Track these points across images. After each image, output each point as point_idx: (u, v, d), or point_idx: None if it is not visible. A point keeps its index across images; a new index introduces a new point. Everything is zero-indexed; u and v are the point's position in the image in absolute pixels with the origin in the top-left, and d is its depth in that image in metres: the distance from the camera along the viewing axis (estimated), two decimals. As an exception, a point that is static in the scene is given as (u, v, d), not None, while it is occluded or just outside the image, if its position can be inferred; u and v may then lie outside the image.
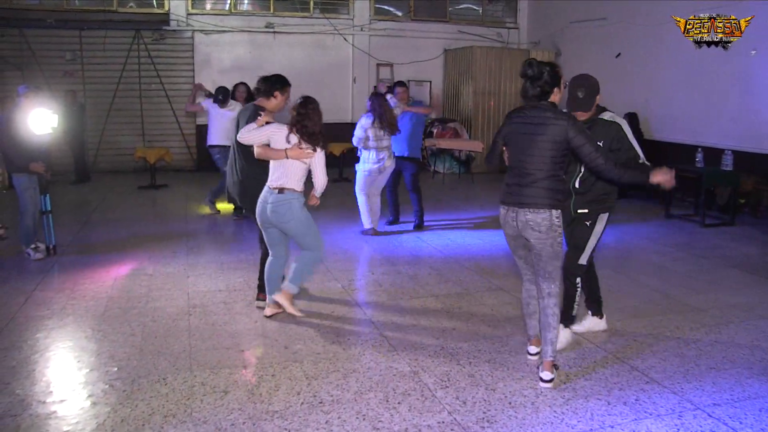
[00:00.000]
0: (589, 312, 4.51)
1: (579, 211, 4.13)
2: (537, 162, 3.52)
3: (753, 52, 8.87)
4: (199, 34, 12.82)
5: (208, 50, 12.91)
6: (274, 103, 4.81)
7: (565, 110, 3.67)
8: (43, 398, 3.50)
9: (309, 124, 4.43)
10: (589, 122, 3.99)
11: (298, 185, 4.48)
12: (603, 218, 4.15)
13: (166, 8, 12.62)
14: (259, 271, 4.99)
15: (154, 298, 5.22)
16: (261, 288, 4.98)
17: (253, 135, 4.45)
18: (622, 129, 4.00)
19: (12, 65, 11.78)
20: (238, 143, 4.70)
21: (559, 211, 3.57)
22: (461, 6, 14.68)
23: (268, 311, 4.77)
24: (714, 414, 3.40)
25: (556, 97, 3.62)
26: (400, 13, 14.19)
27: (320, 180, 4.53)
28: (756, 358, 4.13)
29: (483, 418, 3.33)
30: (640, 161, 3.97)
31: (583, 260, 4.19)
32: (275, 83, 4.80)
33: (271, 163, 4.51)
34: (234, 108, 7.97)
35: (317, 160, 4.48)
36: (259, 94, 4.84)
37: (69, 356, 4.10)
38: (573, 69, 13.46)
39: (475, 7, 14.74)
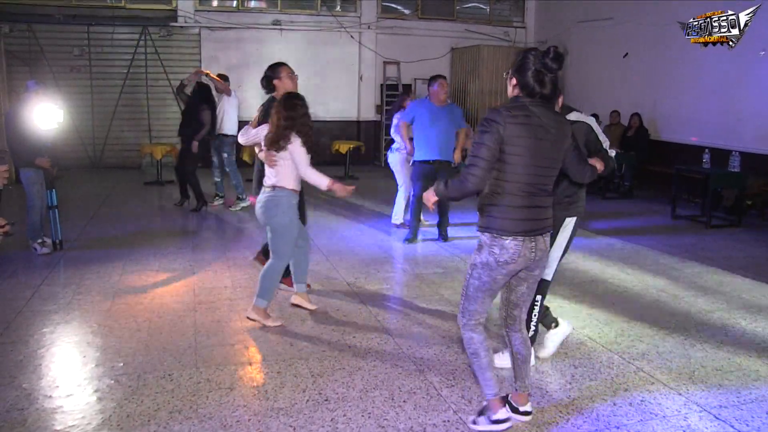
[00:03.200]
0: (546, 330, 4.09)
1: None
2: (552, 176, 2.92)
3: (761, 53, 8.83)
4: (206, 31, 12.84)
5: (215, 47, 12.93)
6: (280, 90, 4.97)
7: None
8: (50, 392, 3.51)
9: (276, 121, 4.27)
10: None
11: (287, 184, 4.34)
12: (568, 225, 3.77)
13: (174, 5, 12.64)
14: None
15: (159, 294, 5.24)
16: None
17: (249, 137, 4.60)
18: (593, 130, 3.64)
19: (20, 60, 11.82)
20: None
21: None
22: (468, 5, 14.67)
23: (295, 299, 4.88)
24: (720, 416, 3.38)
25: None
26: (407, 12, 14.19)
27: (304, 175, 4.32)
28: (763, 361, 4.11)
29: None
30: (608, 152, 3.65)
31: (547, 275, 3.80)
32: (267, 76, 5.03)
33: None
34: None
35: (293, 156, 4.27)
36: (266, 92, 5.08)
37: (75, 351, 4.11)
38: (580, 69, 13.52)
39: (482, 6, 14.72)
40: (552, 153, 2.86)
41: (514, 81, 2.92)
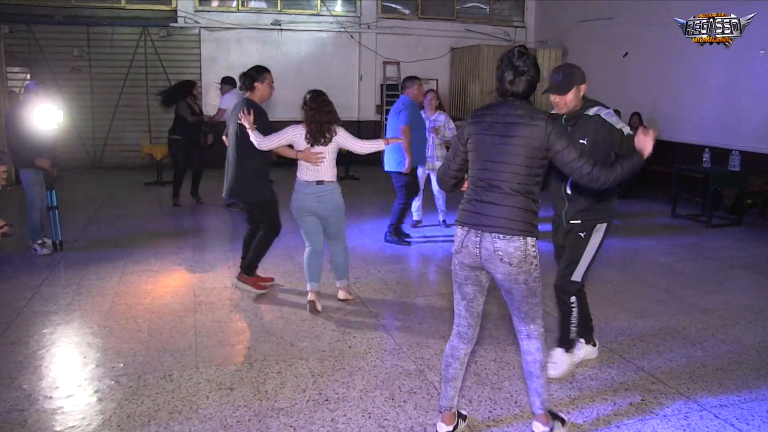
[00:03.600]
0: (581, 340, 4.00)
1: (571, 221, 3.67)
2: (508, 173, 2.81)
3: (761, 52, 8.83)
4: (205, 31, 12.84)
5: (215, 47, 12.93)
6: (258, 94, 4.97)
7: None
8: (50, 393, 3.51)
9: (319, 118, 4.60)
10: (572, 118, 3.52)
11: (332, 176, 4.73)
12: (600, 229, 3.66)
13: (174, 5, 12.64)
14: (244, 249, 5.32)
15: (159, 295, 5.24)
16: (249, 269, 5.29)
17: (275, 141, 4.67)
18: (605, 123, 3.45)
19: (20, 61, 11.82)
20: (238, 137, 4.89)
21: (535, 239, 2.86)
22: (468, 4, 14.66)
23: (312, 296, 4.90)
24: (720, 415, 3.38)
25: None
26: (407, 12, 14.18)
27: (360, 150, 4.82)
28: (763, 360, 4.11)
29: (489, 417, 3.32)
30: (626, 135, 3.42)
31: (576, 276, 3.70)
32: (252, 75, 4.98)
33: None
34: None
35: (343, 141, 4.70)
36: (244, 89, 5.03)
37: (75, 352, 4.11)
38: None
39: (482, 6, 14.71)
40: (509, 149, 2.79)
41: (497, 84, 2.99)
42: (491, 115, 2.88)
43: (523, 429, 3.22)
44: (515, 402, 3.49)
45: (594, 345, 4.07)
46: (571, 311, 3.76)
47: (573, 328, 3.80)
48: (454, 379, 3.07)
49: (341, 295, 5.10)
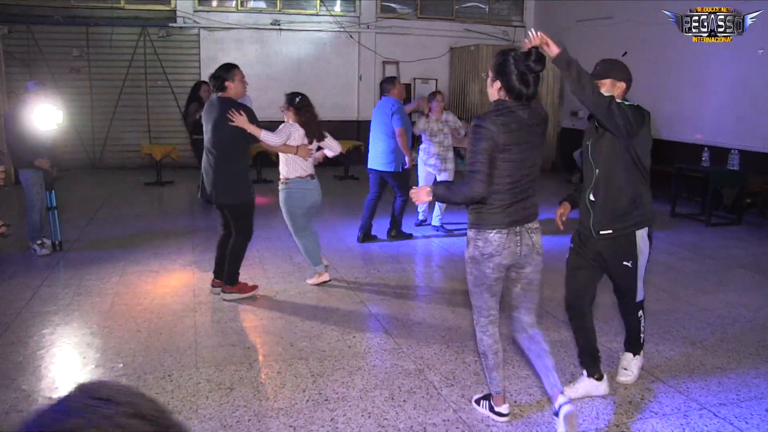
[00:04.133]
0: (584, 372, 3.58)
1: (602, 232, 3.32)
2: (536, 170, 2.96)
3: (760, 51, 8.83)
4: (205, 31, 12.83)
5: (214, 47, 12.91)
6: (232, 92, 4.90)
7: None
8: (49, 394, 3.51)
9: (312, 116, 5.16)
10: None
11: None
12: (641, 239, 3.35)
13: (173, 5, 12.63)
14: (219, 253, 5.30)
15: (159, 295, 5.24)
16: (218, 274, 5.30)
17: (283, 138, 5.02)
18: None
19: (19, 61, 11.82)
20: (213, 139, 4.87)
21: None
22: (467, 4, 14.64)
23: (323, 278, 5.51)
24: (720, 414, 3.38)
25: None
26: (406, 11, 14.17)
27: (336, 149, 5.39)
28: (762, 359, 4.11)
29: (488, 417, 3.32)
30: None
31: (639, 297, 3.53)
32: (221, 75, 4.89)
33: (292, 158, 5.14)
34: None
35: (330, 141, 5.34)
36: (215, 90, 4.92)
37: (75, 352, 4.12)
38: (579, 67, 13.37)
39: (481, 6, 14.70)
40: (537, 149, 2.96)
41: (498, 84, 2.91)
42: (520, 121, 2.85)
43: (523, 428, 3.22)
44: (515, 401, 3.49)
45: (600, 378, 3.56)
46: (640, 323, 3.63)
47: (642, 336, 3.67)
48: (503, 361, 3.26)
49: (314, 280, 5.49)
